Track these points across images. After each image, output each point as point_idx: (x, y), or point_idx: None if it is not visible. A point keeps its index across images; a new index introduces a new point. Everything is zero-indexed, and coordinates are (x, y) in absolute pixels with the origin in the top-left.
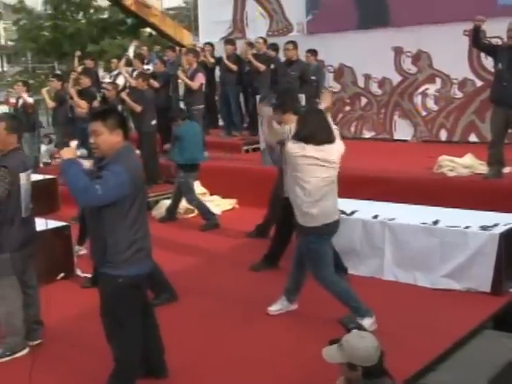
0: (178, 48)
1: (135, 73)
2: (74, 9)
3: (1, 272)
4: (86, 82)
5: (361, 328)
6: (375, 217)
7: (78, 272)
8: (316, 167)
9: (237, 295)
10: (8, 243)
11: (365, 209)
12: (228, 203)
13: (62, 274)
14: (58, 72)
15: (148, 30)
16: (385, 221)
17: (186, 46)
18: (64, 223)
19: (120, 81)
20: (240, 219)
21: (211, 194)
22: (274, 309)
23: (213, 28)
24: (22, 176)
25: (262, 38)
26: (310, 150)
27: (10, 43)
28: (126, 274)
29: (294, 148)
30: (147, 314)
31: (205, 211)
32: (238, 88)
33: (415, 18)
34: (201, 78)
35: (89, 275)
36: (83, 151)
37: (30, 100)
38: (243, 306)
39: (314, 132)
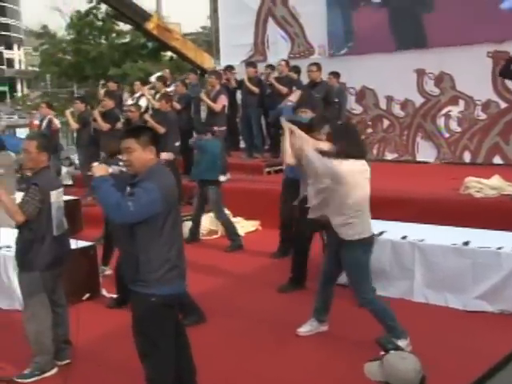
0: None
1: (158, 95)
2: (96, 33)
3: (31, 290)
4: (109, 103)
5: (399, 349)
6: (404, 237)
7: (104, 292)
8: (361, 181)
9: (265, 316)
10: (39, 261)
11: (393, 229)
12: (251, 225)
13: (87, 295)
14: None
15: (168, 53)
16: (414, 242)
17: (207, 69)
18: (90, 243)
19: (142, 103)
20: (263, 241)
21: (234, 216)
22: (303, 330)
23: (234, 51)
24: (53, 194)
25: (284, 60)
26: (354, 164)
27: (30, 68)
28: (159, 293)
29: (338, 163)
30: (179, 334)
31: (232, 231)
32: (259, 110)
33: (438, 40)
34: (223, 100)
35: (114, 295)
36: (115, 168)
37: (57, 122)
38: (272, 327)
39: (355, 147)
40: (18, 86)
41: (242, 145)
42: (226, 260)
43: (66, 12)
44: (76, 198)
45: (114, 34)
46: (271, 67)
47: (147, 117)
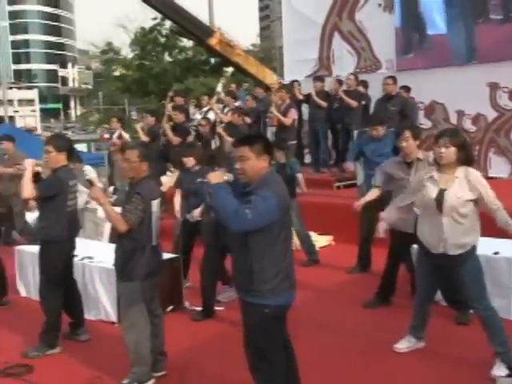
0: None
1: (226, 109)
2: (159, 49)
3: (131, 300)
4: (180, 117)
5: None
6: (496, 253)
7: (186, 304)
8: None
9: (355, 331)
10: (139, 271)
11: (483, 245)
12: (324, 240)
13: (171, 307)
14: (133, 114)
15: (230, 68)
16: (511, 258)
17: (269, 84)
18: (174, 255)
19: (210, 117)
20: (338, 255)
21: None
22: (401, 346)
23: (298, 66)
24: (154, 204)
25: (352, 74)
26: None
27: (83, 86)
28: (272, 304)
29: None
30: (286, 347)
31: (310, 245)
32: (327, 124)
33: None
34: (293, 114)
35: (198, 308)
36: (229, 175)
37: (127, 136)
38: (364, 342)
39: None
40: (71, 104)
41: (307, 159)
42: (304, 274)
43: (130, 29)
44: None
45: (176, 50)
46: (338, 81)
47: (220, 130)
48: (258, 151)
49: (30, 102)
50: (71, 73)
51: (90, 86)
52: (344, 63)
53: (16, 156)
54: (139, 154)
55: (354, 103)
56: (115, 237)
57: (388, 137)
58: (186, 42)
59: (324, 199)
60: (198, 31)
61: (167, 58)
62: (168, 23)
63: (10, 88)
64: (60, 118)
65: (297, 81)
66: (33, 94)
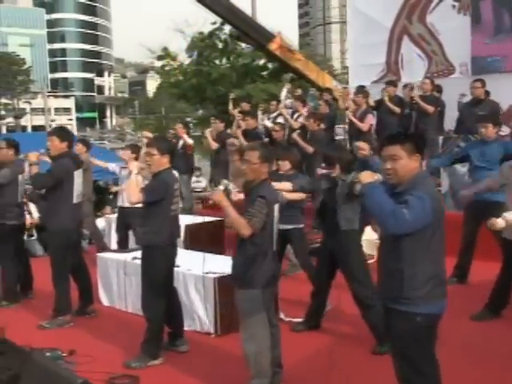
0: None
1: (296, 115)
2: (217, 54)
3: (252, 308)
4: (251, 123)
5: None
6: None
7: (282, 316)
8: None
9: (470, 344)
10: (260, 278)
11: None
12: None
13: None
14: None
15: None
16: None
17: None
18: None
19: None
20: None
21: None
22: None
23: (364, 71)
24: (276, 207)
25: (428, 78)
26: None
27: (119, 94)
28: (425, 312)
29: None
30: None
31: None
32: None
33: None
34: (370, 119)
35: (297, 319)
36: (380, 175)
37: (191, 141)
38: (477, 355)
39: None
40: (107, 112)
41: None
42: None
43: (188, 33)
44: (220, 218)
45: (233, 55)
46: (409, 86)
47: (295, 136)
48: (409, 150)
49: (67, 110)
50: (107, 81)
51: (125, 95)
52: (414, 68)
53: (87, 161)
54: (260, 155)
55: (430, 108)
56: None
57: (498, 141)
58: (244, 48)
59: None
60: (259, 36)
61: (225, 63)
62: (227, 28)
63: (47, 97)
64: (96, 126)
65: (363, 87)
66: (69, 103)
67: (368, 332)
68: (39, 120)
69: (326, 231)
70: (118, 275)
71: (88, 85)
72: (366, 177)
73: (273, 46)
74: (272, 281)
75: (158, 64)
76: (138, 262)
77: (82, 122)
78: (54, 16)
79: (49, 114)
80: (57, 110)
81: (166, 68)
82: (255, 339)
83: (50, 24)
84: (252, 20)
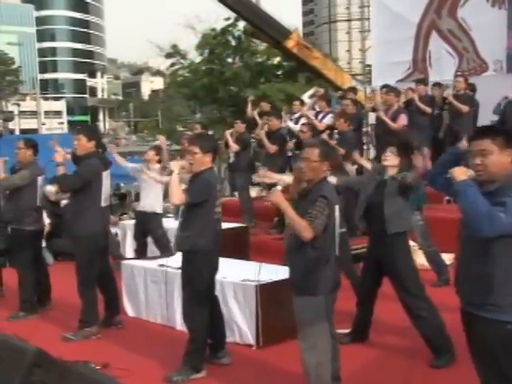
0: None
1: (320, 115)
2: (230, 52)
3: (313, 317)
4: (275, 123)
5: None
6: None
7: None
8: None
9: None
10: (323, 284)
11: None
12: (446, 258)
13: None
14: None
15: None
16: None
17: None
18: None
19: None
20: None
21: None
22: None
23: (388, 69)
24: (336, 208)
25: (461, 76)
26: None
27: (112, 97)
28: None
29: None
30: None
31: (441, 263)
32: (431, 133)
33: None
34: (403, 120)
35: (341, 331)
36: (472, 172)
37: None
38: None
39: None
40: (100, 115)
41: None
42: (439, 295)
43: (199, 30)
44: (244, 225)
45: (247, 54)
46: (438, 85)
47: (325, 136)
48: (501, 144)
49: (58, 113)
50: (100, 82)
51: (119, 97)
52: (443, 66)
53: None
54: (320, 153)
55: (465, 108)
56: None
57: None
58: (258, 45)
59: (437, 214)
60: (275, 32)
61: (238, 62)
62: (241, 24)
63: (36, 99)
64: None
65: (388, 85)
66: (60, 106)
67: (423, 344)
68: (28, 123)
69: (371, 235)
70: (146, 284)
71: (79, 86)
72: (460, 173)
73: (289, 43)
74: (334, 287)
75: (154, 64)
76: (169, 269)
77: (74, 126)
78: (44, 13)
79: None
80: (47, 112)
81: (176, 67)
82: (316, 350)
83: (40, 21)
84: (267, 15)
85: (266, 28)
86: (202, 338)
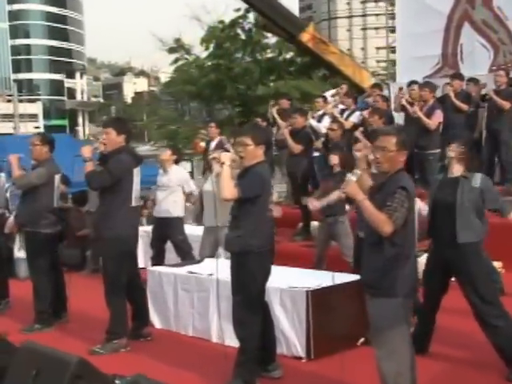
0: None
1: (346, 113)
2: (238, 46)
3: (392, 320)
4: (300, 121)
5: None
6: None
7: None
8: None
9: None
10: (402, 284)
11: None
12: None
13: (362, 339)
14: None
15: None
16: None
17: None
18: (354, 277)
19: (326, 122)
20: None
21: None
22: None
23: (415, 64)
24: (417, 201)
25: (502, 69)
26: None
27: (93, 99)
28: None
29: None
30: None
31: (494, 271)
32: (467, 132)
33: None
34: (439, 116)
35: None
36: None
37: (228, 145)
38: None
39: None
40: (79, 120)
41: None
42: None
43: (205, 22)
44: None
45: (258, 48)
46: (474, 81)
47: (358, 134)
48: None
49: (33, 117)
50: (79, 84)
51: (100, 99)
52: (476, 60)
53: None
54: (397, 141)
55: (506, 104)
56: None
57: None
58: (269, 39)
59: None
60: (289, 25)
61: (248, 57)
62: (252, 16)
63: (9, 101)
64: None
65: (416, 82)
66: (35, 108)
67: (494, 355)
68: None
69: (438, 239)
70: (176, 292)
71: (57, 87)
72: None
73: (304, 37)
74: (414, 288)
75: (137, 64)
76: (203, 276)
77: (51, 131)
78: (17, 7)
79: (11, 120)
80: (21, 116)
81: (180, 62)
82: (395, 357)
83: (13, 16)
84: (282, 6)
85: (280, 20)
86: (253, 348)
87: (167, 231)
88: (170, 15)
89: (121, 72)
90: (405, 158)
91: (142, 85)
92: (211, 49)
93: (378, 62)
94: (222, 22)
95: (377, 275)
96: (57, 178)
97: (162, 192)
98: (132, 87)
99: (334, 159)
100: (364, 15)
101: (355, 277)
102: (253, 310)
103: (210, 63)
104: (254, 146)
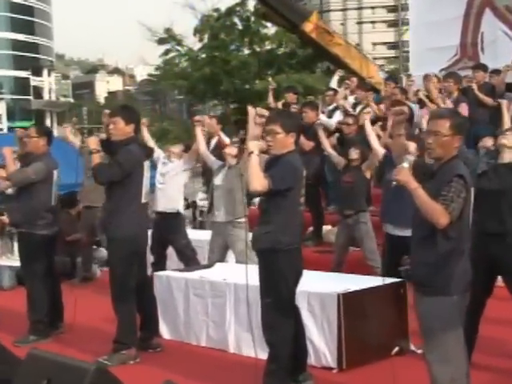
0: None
1: (360, 107)
2: (234, 37)
3: (446, 321)
4: (310, 116)
5: None
6: None
7: (413, 347)
8: None
9: None
10: (457, 281)
11: None
12: None
13: (396, 348)
14: None
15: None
16: None
17: (374, 84)
18: (398, 279)
19: (337, 117)
20: None
21: None
22: None
23: (430, 56)
24: (472, 191)
25: None
26: None
27: (62, 99)
28: None
29: None
30: None
31: None
32: (491, 129)
33: None
34: (464, 110)
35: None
36: None
37: (227, 140)
38: None
39: None
40: (47, 121)
41: None
42: None
43: (200, 11)
44: None
45: (256, 39)
46: (497, 72)
47: (378, 129)
48: None
49: None
50: (47, 82)
51: (70, 99)
52: (498, 50)
53: None
54: (452, 125)
55: None
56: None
57: None
58: (268, 30)
59: None
60: (292, 14)
61: (244, 49)
62: (250, 4)
63: None
64: None
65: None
66: None
67: None
68: None
69: (483, 233)
70: (187, 298)
71: (22, 86)
72: None
73: (308, 27)
74: (468, 285)
75: (110, 61)
76: (218, 279)
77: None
78: None
79: None
80: None
81: (171, 54)
82: (450, 361)
83: None
84: None
85: (281, 8)
86: (285, 355)
87: (168, 235)
88: (159, 3)
89: (93, 69)
90: (460, 143)
91: (115, 84)
92: (205, 40)
93: (374, 58)
94: (217, 10)
95: (429, 272)
96: (55, 173)
97: (161, 186)
98: (105, 86)
99: (355, 153)
100: (359, 8)
101: (387, 280)
102: (284, 312)
103: (204, 55)
104: (284, 135)
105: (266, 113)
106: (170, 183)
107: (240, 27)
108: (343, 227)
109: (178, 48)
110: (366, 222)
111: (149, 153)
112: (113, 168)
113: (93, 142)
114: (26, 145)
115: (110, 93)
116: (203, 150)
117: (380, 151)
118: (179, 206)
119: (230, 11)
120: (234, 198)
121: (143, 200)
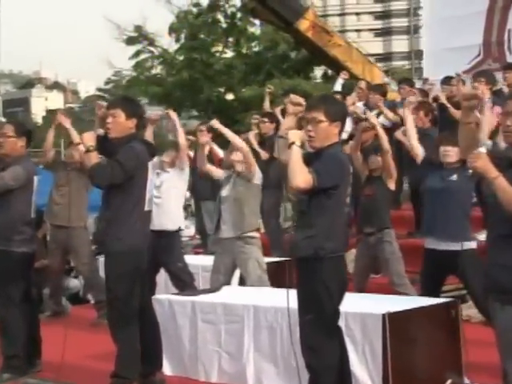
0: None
1: (374, 112)
2: (218, 37)
3: None
4: (269, 127)
5: None
6: None
7: (466, 381)
8: None
9: None
10: None
11: None
12: None
13: (449, 381)
14: None
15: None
16: None
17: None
18: (448, 299)
19: (348, 125)
20: None
21: None
22: None
23: (448, 57)
24: None
25: None
26: None
27: None
28: None
29: None
30: None
31: None
32: None
33: None
34: (498, 112)
35: None
36: None
37: (220, 153)
38: None
39: None
40: None
41: None
42: None
43: (176, 6)
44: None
45: (242, 39)
46: None
47: (400, 136)
48: None
49: None
50: None
51: (1, 119)
52: None
53: None
54: None
55: None
56: None
57: None
58: (257, 28)
59: None
60: (285, 10)
61: (228, 50)
62: None
63: None
64: None
65: (450, 78)
66: None
67: None
68: None
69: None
70: (194, 325)
71: None
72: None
73: (303, 25)
74: None
75: (49, 74)
76: (232, 302)
77: None
78: None
79: None
80: None
81: (142, 56)
82: None
83: None
84: None
85: (272, 3)
86: (329, 379)
87: (162, 256)
88: None
89: (28, 84)
90: None
91: (55, 101)
92: (183, 40)
93: None
94: (197, 4)
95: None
96: (35, 180)
97: (158, 198)
98: (43, 103)
99: (378, 161)
100: (357, 13)
101: (436, 300)
102: (328, 332)
103: (181, 58)
104: (328, 123)
105: (302, 101)
106: (166, 196)
107: (224, 25)
108: (364, 247)
109: (151, 49)
110: (391, 241)
111: (153, 152)
112: (114, 169)
113: (88, 138)
114: (1, 146)
115: (48, 111)
116: (206, 166)
117: (420, 151)
118: (180, 222)
119: (213, 6)
120: (242, 210)
121: (146, 208)
